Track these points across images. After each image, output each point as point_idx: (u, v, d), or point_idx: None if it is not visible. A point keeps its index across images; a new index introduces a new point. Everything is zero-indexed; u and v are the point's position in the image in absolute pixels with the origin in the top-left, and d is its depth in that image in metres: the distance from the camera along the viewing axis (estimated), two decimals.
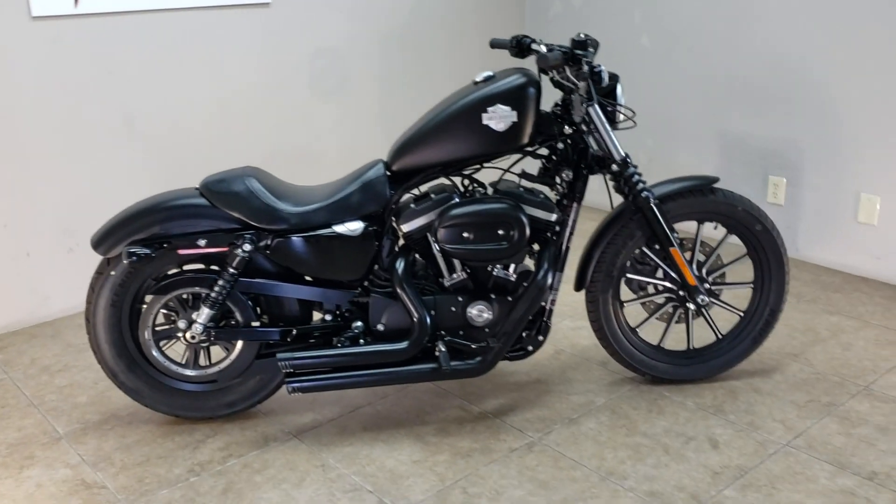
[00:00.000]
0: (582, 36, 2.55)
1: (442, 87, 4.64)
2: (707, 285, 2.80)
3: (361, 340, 2.64)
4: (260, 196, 2.52)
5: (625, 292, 2.84)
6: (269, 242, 2.53)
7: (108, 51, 3.48)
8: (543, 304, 2.69)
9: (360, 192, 2.57)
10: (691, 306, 2.81)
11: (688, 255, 2.80)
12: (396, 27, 4.40)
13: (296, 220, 2.53)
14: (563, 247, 2.70)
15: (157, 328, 2.64)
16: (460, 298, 2.64)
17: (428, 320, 2.58)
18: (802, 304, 3.56)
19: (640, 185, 2.66)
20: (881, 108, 3.59)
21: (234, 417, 2.78)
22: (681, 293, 2.82)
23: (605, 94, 2.59)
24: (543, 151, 2.72)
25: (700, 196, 2.74)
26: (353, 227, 2.56)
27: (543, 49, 2.61)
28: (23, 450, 2.64)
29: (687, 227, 4.21)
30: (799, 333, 3.29)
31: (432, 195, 2.61)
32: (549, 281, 2.62)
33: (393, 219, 2.61)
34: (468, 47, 4.79)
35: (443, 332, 2.64)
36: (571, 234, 2.70)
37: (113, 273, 2.59)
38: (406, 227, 2.59)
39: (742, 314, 2.91)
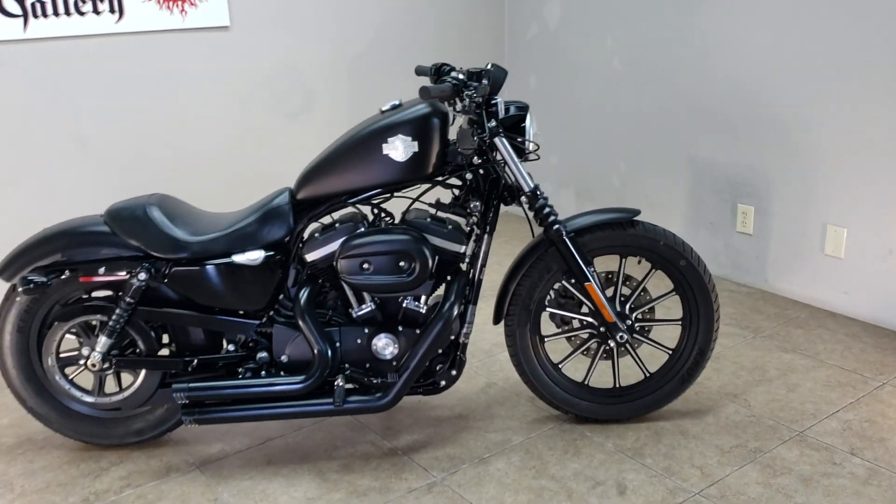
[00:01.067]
0: (488, 66, 2.48)
1: None
2: (630, 322, 2.69)
3: (264, 372, 2.60)
4: (158, 224, 2.50)
5: (550, 326, 2.75)
6: (166, 272, 2.50)
7: (61, 74, 3.52)
8: (455, 337, 2.62)
9: (262, 220, 2.53)
10: (612, 344, 2.70)
11: (612, 290, 2.70)
12: (366, 47, 4.38)
13: (194, 249, 2.50)
14: (476, 278, 2.62)
15: (61, 355, 2.64)
16: (366, 330, 2.58)
17: (329, 353, 2.52)
18: (758, 340, 3.41)
19: (552, 218, 2.57)
20: (848, 138, 3.43)
21: (144, 445, 2.75)
22: (601, 329, 2.71)
23: (512, 125, 2.52)
24: (455, 181, 2.65)
25: (619, 229, 2.64)
26: (253, 256, 2.51)
27: (460, 79, 2.55)
28: None
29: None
30: (745, 371, 3.14)
31: (337, 224, 2.56)
32: (455, 313, 2.54)
33: (300, 247, 2.57)
34: None
35: (347, 366, 2.58)
36: (483, 265, 2.62)
37: (18, 299, 2.59)
38: (310, 257, 2.55)
39: (670, 352, 2.79)
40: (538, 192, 2.56)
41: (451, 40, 4.73)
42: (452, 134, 2.51)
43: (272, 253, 2.55)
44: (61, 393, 2.65)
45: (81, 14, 3.47)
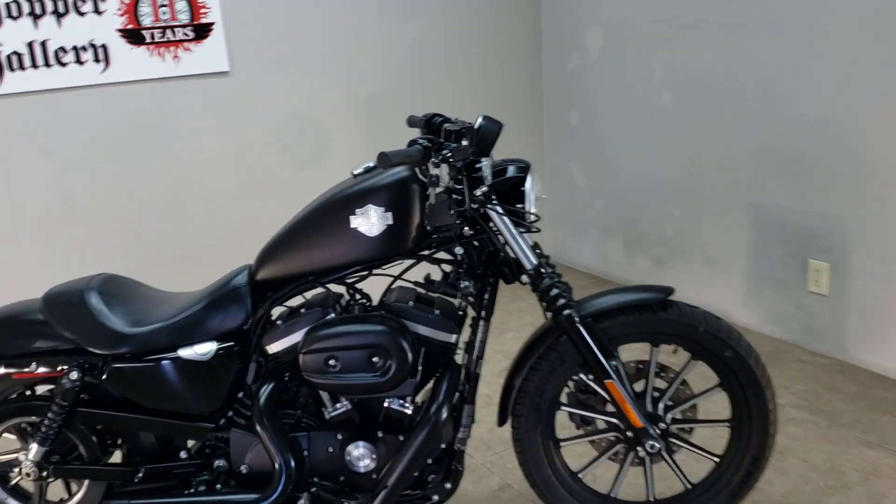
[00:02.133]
0: (479, 120, 2.04)
1: None
2: (664, 424, 2.19)
3: (219, 485, 2.19)
4: (94, 314, 2.13)
5: (568, 425, 2.27)
6: (102, 369, 2.13)
7: (42, 131, 3.24)
8: (449, 444, 2.16)
9: (213, 306, 2.14)
10: (641, 452, 2.20)
11: (641, 384, 2.21)
12: (382, 86, 3.99)
13: (133, 343, 2.12)
14: (472, 372, 2.17)
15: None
16: (339, 436, 2.15)
17: (293, 465, 2.10)
18: (834, 430, 2.83)
19: (562, 301, 2.09)
20: None
21: None
22: (628, 434, 2.21)
23: (510, 188, 2.06)
24: (445, 254, 2.20)
25: (648, 313, 2.14)
26: (203, 349, 2.12)
27: (428, 141, 2.11)
28: None
29: None
30: (817, 474, 2.58)
31: (302, 310, 2.15)
32: (444, 416, 2.08)
33: (261, 336, 2.17)
34: (478, 106, 4.32)
35: (316, 479, 2.15)
36: (480, 356, 2.17)
37: None
38: (272, 349, 2.14)
39: (717, 460, 2.27)
40: (543, 270, 2.09)
41: (479, 73, 4.30)
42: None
43: (228, 344, 2.15)
44: None
45: (63, 65, 3.19)
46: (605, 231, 4.41)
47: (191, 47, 3.42)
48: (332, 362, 2.04)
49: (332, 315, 2.12)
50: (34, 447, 2.17)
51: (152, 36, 3.33)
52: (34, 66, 3.13)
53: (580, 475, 2.31)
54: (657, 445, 2.15)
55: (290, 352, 2.12)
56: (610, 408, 2.23)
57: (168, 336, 2.12)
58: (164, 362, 2.12)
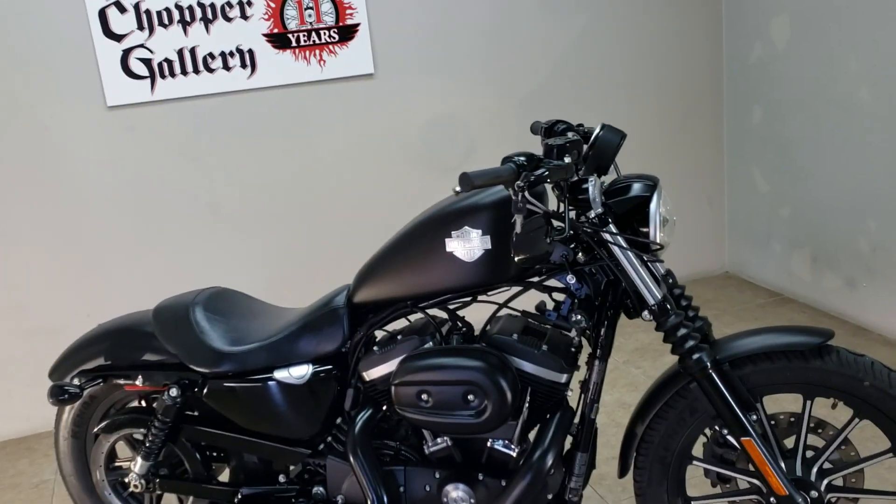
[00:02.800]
0: (599, 129, 1.78)
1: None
2: (816, 493, 1.82)
3: None
4: (196, 330, 2.09)
5: (701, 482, 1.96)
6: (201, 387, 2.08)
7: (191, 136, 3.30)
8: (558, 495, 1.93)
9: (308, 328, 2.03)
10: None
11: (791, 440, 1.85)
12: (540, 84, 3.74)
13: (231, 362, 2.05)
14: (586, 416, 1.91)
15: (112, 467, 2.32)
16: (437, 475, 1.97)
17: (385, 501, 1.95)
18: None
19: (690, 343, 1.78)
20: None
21: None
22: (772, 500, 1.86)
23: (632, 209, 1.78)
24: (556, 282, 1.95)
25: (799, 360, 1.78)
26: (298, 373, 2.01)
27: (525, 158, 1.87)
28: None
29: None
30: None
31: (399, 336, 1.99)
32: (548, 464, 1.85)
33: (359, 361, 2.03)
34: (650, 104, 3.97)
35: None
36: (595, 399, 1.90)
37: (78, 401, 2.31)
38: (368, 375, 2.00)
39: None
40: (669, 305, 1.78)
41: (651, 68, 3.94)
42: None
43: (326, 367, 2.03)
44: None
45: (211, 71, 3.23)
46: (789, 243, 3.91)
47: (336, 50, 3.36)
48: (424, 396, 1.86)
49: (430, 344, 1.94)
50: (139, 460, 2.17)
51: (297, 39, 3.30)
52: (184, 72, 3.19)
53: None
54: None
55: (386, 380, 1.96)
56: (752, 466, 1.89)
57: (265, 357, 2.03)
58: (259, 384, 2.03)
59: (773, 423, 1.89)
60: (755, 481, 1.88)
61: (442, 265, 1.86)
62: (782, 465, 1.82)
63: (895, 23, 3.10)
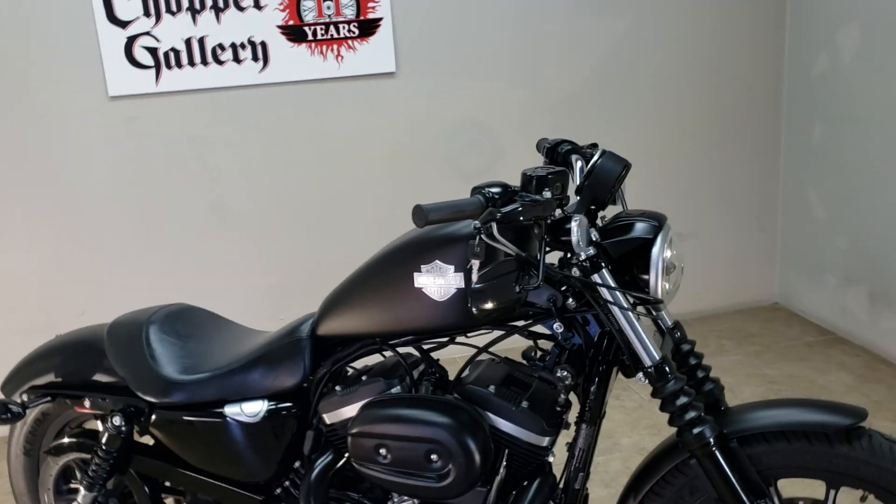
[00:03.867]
0: (597, 155, 1.52)
1: (651, 174, 3.57)
2: None
3: None
4: (146, 354, 1.89)
5: None
6: (147, 418, 1.88)
7: (197, 131, 3.14)
8: None
9: (265, 360, 1.81)
10: None
11: None
12: (577, 88, 3.47)
13: (179, 392, 1.84)
14: (569, 486, 1.65)
15: (64, 489, 2.16)
16: None
17: None
18: None
19: (691, 415, 1.50)
20: None
21: None
22: None
23: (625, 254, 1.51)
24: (543, 328, 1.69)
25: (822, 443, 1.49)
26: (251, 409, 1.80)
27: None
28: None
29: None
30: None
31: (363, 375, 1.76)
32: None
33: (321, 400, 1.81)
34: (697, 119, 3.65)
35: None
36: (581, 467, 1.64)
37: (21, 420, 2.14)
38: (328, 418, 1.78)
39: None
40: (668, 368, 1.51)
41: (701, 78, 3.62)
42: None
43: (287, 404, 1.81)
44: None
45: (220, 63, 3.05)
46: (846, 277, 3.54)
47: (355, 45, 3.14)
48: (382, 451, 1.62)
49: (397, 388, 1.70)
50: (82, 491, 1.99)
51: (314, 33, 3.09)
52: (191, 63, 3.03)
53: None
54: None
55: (346, 425, 1.73)
56: None
57: (216, 389, 1.83)
58: (210, 419, 1.82)
59: None
60: None
61: (410, 302, 1.62)
62: None
63: None
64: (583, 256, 1.48)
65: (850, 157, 3.43)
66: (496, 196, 1.41)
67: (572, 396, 1.67)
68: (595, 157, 1.57)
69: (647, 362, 1.51)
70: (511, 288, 1.46)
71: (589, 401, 1.62)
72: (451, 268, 1.56)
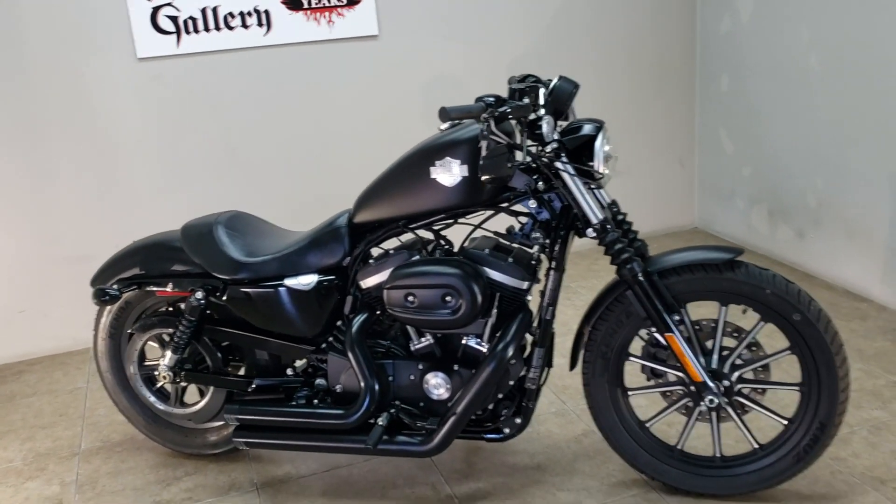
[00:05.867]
0: (555, 80, 2.17)
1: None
2: (728, 382, 2.23)
3: (316, 401, 2.49)
4: (218, 244, 2.49)
5: (641, 378, 2.38)
6: (222, 291, 2.49)
7: (211, 87, 3.68)
8: (520, 382, 2.34)
9: (315, 244, 2.43)
10: (702, 405, 2.26)
11: (710, 342, 2.27)
12: (532, 46, 4.12)
13: (247, 270, 2.45)
14: (542, 318, 2.32)
15: (144, 363, 2.74)
16: (420, 366, 2.38)
17: (377, 388, 2.36)
18: None
19: (625, 255, 2.19)
20: None
21: (220, 458, 2.78)
22: (691, 388, 2.28)
23: (581, 146, 2.17)
24: (521, 208, 2.35)
25: (714, 272, 2.19)
26: (305, 280, 2.42)
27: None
28: (42, 461, 2.88)
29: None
30: None
31: (391, 251, 2.39)
32: (509, 354, 2.26)
33: (357, 273, 2.44)
34: (628, 71, 4.34)
35: (397, 402, 2.40)
36: (551, 304, 2.31)
37: (109, 308, 2.72)
38: (364, 284, 2.41)
39: (786, 422, 2.28)
40: (608, 225, 2.19)
41: (627, 36, 4.31)
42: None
43: (329, 277, 2.44)
44: (144, 399, 2.75)
45: (231, 29, 3.60)
46: (750, 200, 4.31)
47: (343, 12, 3.73)
48: (410, 298, 2.26)
49: (417, 257, 2.34)
50: (168, 354, 2.58)
51: (309, 1, 3.67)
52: (206, 29, 3.57)
53: (648, 425, 2.40)
54: (716, 400, 2.21)
55: (380, 287, 2.36)
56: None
57: (277, 267, 2.44)
58: (272, 289, 2.43)
59: (697, 327, 2.30)
60: (679, 373, 2.29)
61: (428, 190, 2.25)
62: (701, 359, 2.24)
63: None
64: (550, 146, 2.14)
65: (751, 101, 4.17)
66: (493, 102, 2.06)
67: (543, 258, 2.35)
68: (554, 81, 2.22)
69: (594, 220, 2.18)
70: (506, 165, 2.11)
71: (555, 254, 2.29)
72: (458, 161, 2.20)
